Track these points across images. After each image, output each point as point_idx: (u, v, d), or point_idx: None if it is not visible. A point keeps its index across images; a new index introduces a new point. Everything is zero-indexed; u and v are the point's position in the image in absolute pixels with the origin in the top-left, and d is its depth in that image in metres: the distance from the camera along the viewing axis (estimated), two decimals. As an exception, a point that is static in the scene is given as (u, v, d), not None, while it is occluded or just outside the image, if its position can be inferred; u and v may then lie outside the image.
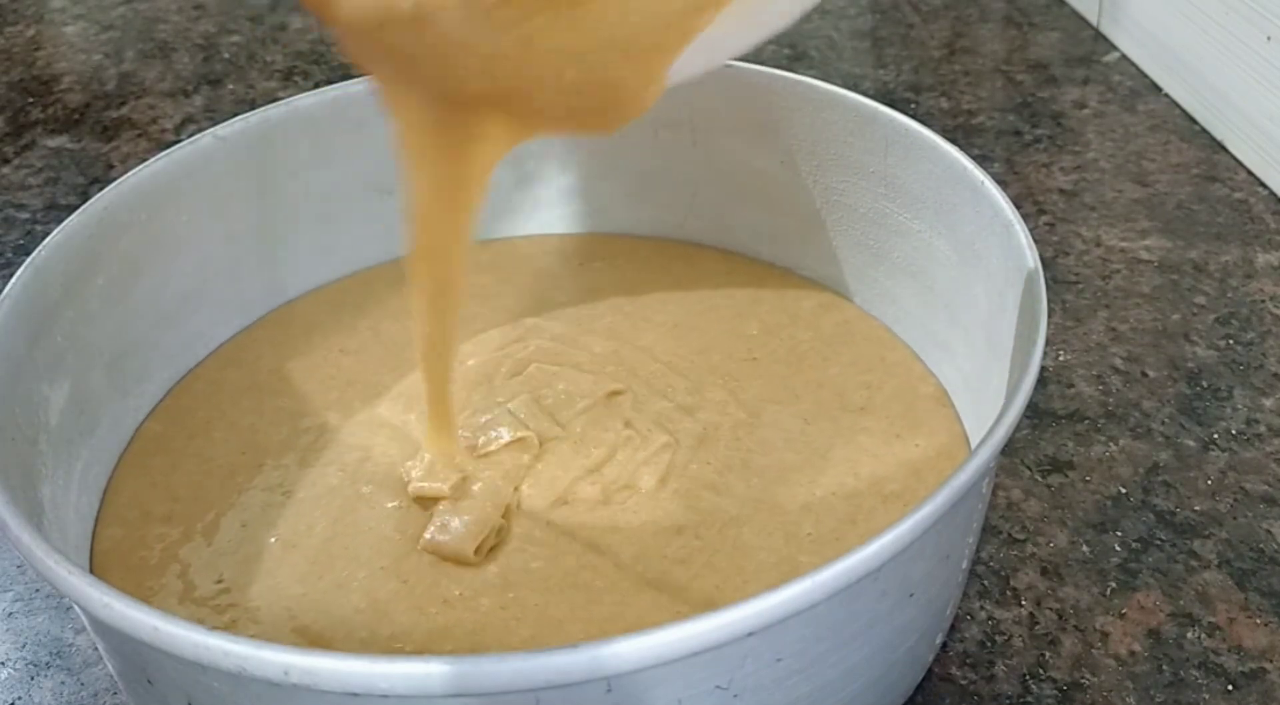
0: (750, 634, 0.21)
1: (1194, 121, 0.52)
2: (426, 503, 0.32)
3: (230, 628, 0.29)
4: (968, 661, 0.31)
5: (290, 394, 0.36)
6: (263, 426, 0.35)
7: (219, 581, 0.31)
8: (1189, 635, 0.31)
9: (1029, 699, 0.30)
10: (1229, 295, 0.42)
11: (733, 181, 0.40)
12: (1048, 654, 0.31)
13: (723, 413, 0.35)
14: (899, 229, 0.37)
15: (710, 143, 0.40)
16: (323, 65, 0.60)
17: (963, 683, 0.30)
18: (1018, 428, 0.37)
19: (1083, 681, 0.30)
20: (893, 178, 0.36)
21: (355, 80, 0.40)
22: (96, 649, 0.32)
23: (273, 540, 0.32)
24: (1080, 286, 0.43)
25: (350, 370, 0.37)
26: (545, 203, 0.42)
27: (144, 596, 0.29)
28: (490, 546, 0.31)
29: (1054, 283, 0.43)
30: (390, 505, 0.32)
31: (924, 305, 0.36)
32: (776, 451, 0.33)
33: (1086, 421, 0.37)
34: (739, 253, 0.41)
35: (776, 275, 0.40)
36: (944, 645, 0.31)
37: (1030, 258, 0.30)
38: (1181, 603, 0.32)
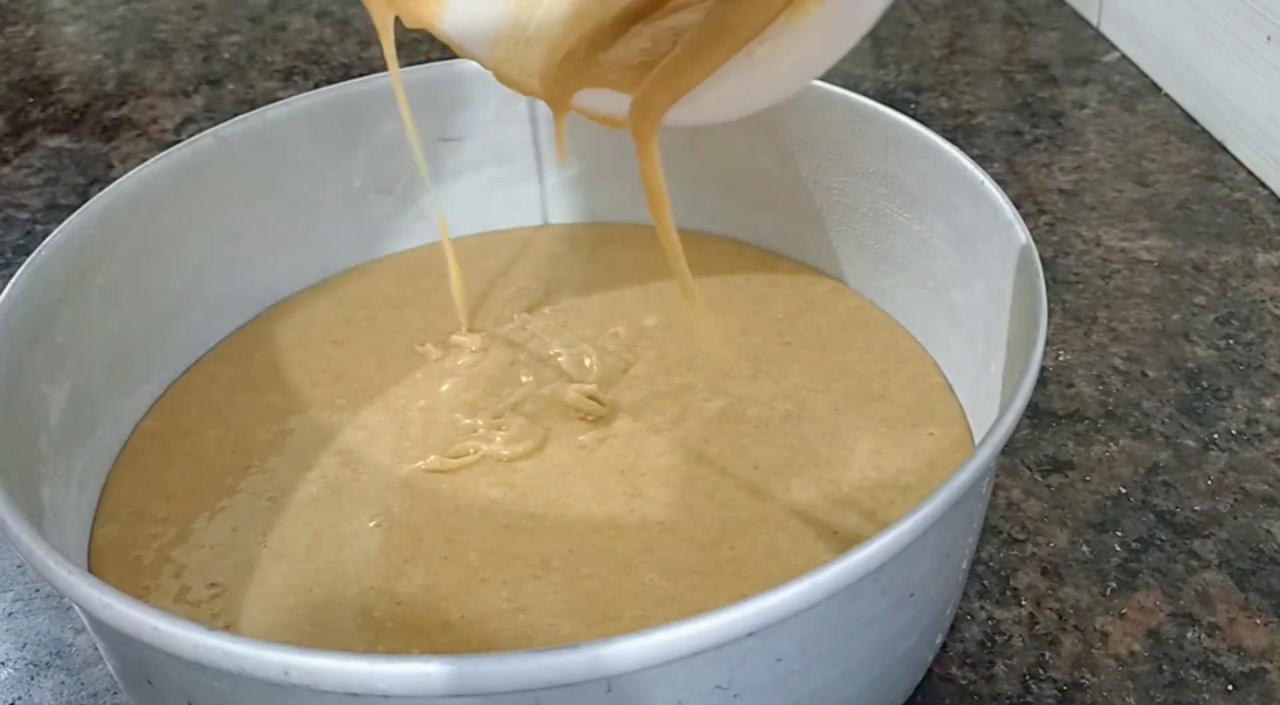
0: (750, 634, 0.21)
1: (1194, 121, 0.52)
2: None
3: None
4: (968, 661, 0.31)
5: (281, 390, 0.36)
6: (251, 426, 0.35)
7: (212, 585, 0.31)
8: (1189, 635, 0.31)
9: (1029, 699, 0.30)
10: (1229, 295, 0.42)
11: (733, 181, 0.40)
12: (1048, 654, 0.31)
13: (771, 406, 0.35)
14: (899, 228, 0.37)
15: (710, 142, 0.40)
16: (323, 65, 0.60)
17: (963, 683, 0.30)
18: (1018, 427, 0.37)
19: (1083, 681, 0.30)
20: (893, 177, 0.36)
21: (355, 80, 0.40)
22: (96, 649, 0.32)
23: (262, 547, 0.31)
24: (1080, 286, 0.43)
25: (340, 363, 0.37)
26: (541, 198, 0.42)
27: (140, 596, 0.29)
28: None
29: (1054, 283, 0.43)
30: (371, 525, 0.32)
31: (924, 303, 0.36)
32: (813, 445, 0.34)
33: (1086, 421, 0.37)
34: (744, 242, 0.41)
35: (784, 262, 0.41)
36: (944, 645, 0.31)
37: (1030, 257, 0.30)
38: (1181, 603, 0.32)
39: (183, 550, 0.31)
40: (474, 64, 0.40)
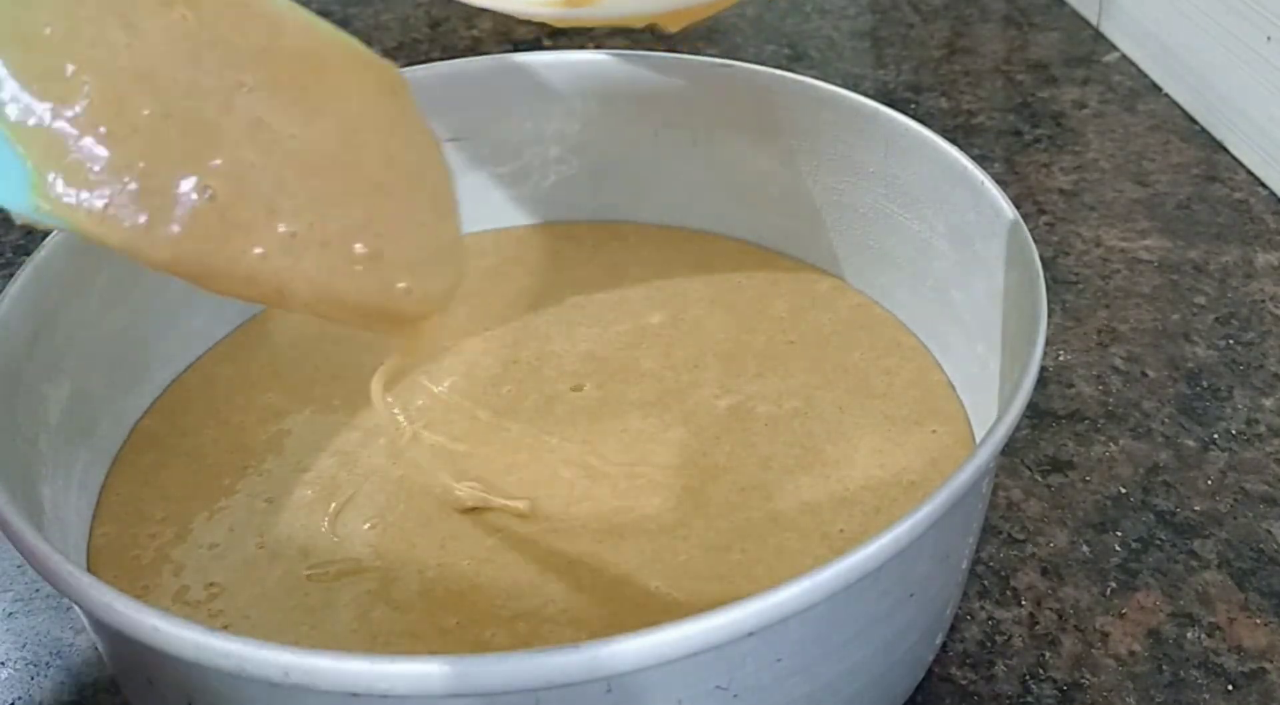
0: (750, 634, 0.21)
1: (1194, 121, 0.52)
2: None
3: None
4: (968, 661, 0.31)
5: (279, 389, 0.36)
6: (249, 425, 0.35)
7: (211, 585, 0.30)
8: (1189, 635, 0.31)
9: (1029, 699, 0.30)
10: (1229, 295, 0.42)
11: (735, 180, 0.40)
12: (1048, 654, 0.31)
13: (779, 404, 0.35)
14: (899, 228, 0.37)
15: (711, 142, 0.40)
16: (323, 65, 0.60)
17: (963, 683, 0.30)
18: (1018, 427, 0.37)
19: (1083, 682, 0.30)
20: (893, 178, 0.36)
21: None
22: (96, 649, 0.32)
23: (259, 548, 0.31)
24: (1080, 286, 0.43)
25: (337, 362, 0.37)
26: (540, 197, 0.42)
27: (138, 596, 0.29)
28: None
29: (1054, 282, 0.43)
30: (365, 528, 0.32)
31: (925, 302, 0.36)
32: (819, 443, 0.34)
33: (1086, 421, 0.37)
34: (746, 240, 0.42)
35: (785, 260, 0.41)
36: (944, 645, 0.31)
37: (1030, 257, 0.30)
38: (1181, 603, 0.32)
39: (181, 550, 0.31)
40: (476, 62, 0.40)
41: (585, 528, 0.31)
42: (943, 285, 0.35)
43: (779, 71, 0.38)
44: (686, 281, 0.40)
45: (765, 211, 0.40)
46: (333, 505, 0.33)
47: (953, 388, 0.35)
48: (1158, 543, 0.34)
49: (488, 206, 0.42)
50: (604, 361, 0.36)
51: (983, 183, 0.33)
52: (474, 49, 0.61)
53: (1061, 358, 0.40)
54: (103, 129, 0.23)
